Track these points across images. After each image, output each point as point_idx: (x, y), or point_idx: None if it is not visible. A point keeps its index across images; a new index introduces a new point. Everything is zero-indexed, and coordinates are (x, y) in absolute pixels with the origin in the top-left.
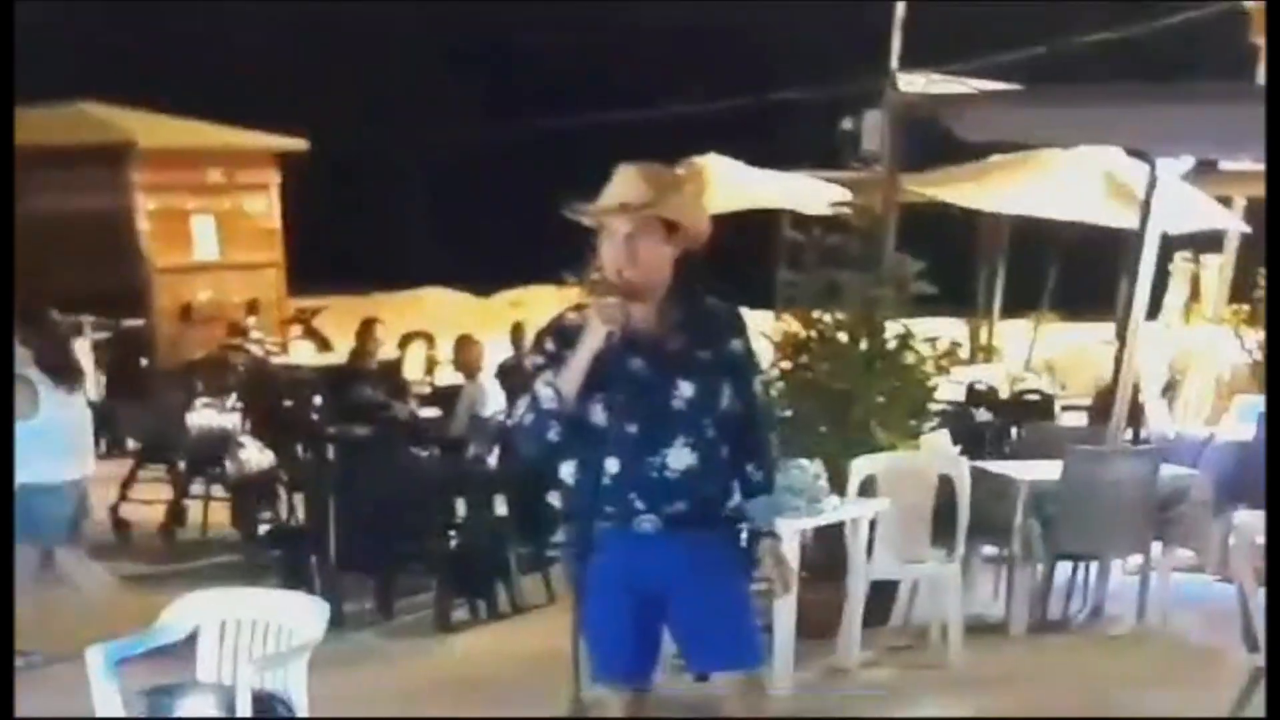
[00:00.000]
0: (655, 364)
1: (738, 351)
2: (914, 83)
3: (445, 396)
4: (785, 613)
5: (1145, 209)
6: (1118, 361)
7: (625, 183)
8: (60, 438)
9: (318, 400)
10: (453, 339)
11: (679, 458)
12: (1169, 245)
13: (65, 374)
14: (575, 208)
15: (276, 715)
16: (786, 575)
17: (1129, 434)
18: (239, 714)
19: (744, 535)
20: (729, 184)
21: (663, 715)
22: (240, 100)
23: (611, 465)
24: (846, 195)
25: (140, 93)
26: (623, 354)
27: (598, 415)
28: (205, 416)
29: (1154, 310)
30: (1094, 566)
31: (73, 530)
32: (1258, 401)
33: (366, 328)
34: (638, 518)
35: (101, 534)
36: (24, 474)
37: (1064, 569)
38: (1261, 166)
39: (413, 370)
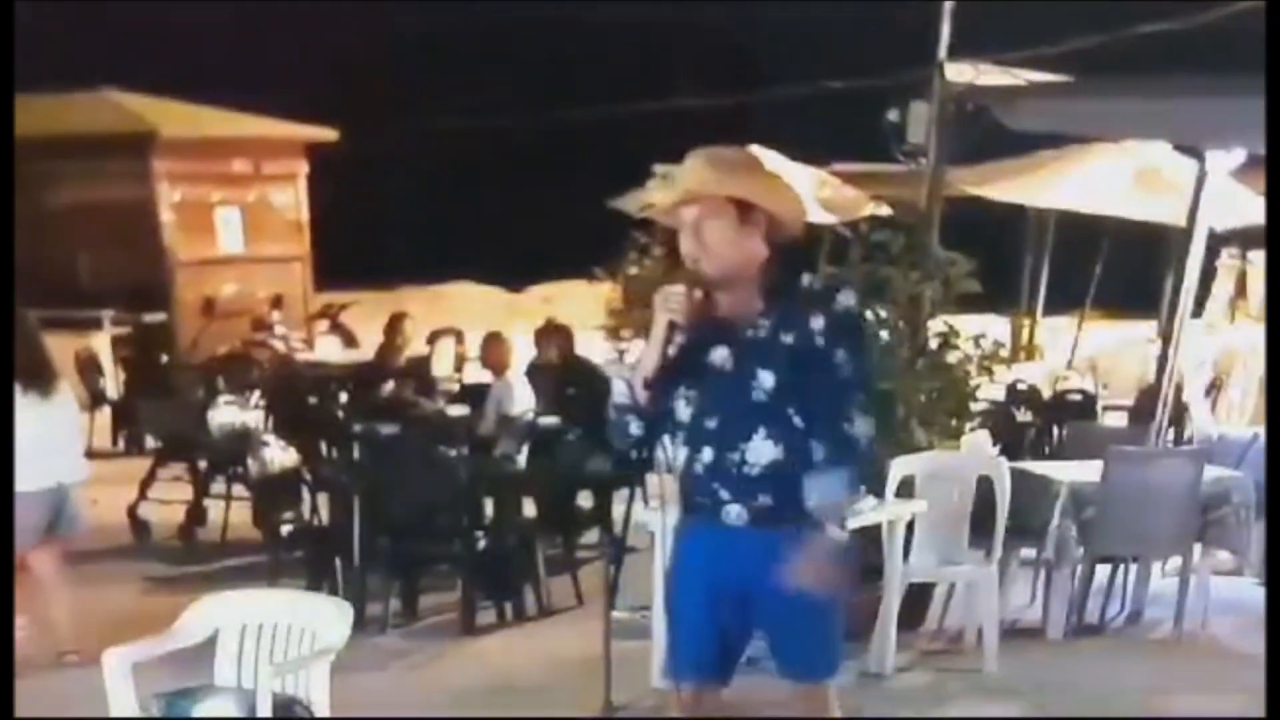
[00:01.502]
0: (738, 354)
1: (818, 329)
2: (962, 73)
3: (474, 394)
4: None
5: (1194, 204)
6: (1161, 361)
7: (691, 168)
8: (29, 445)
9: (343, 398)
10: (482, 335)
11: (759, 452)
12: (1215, 242)
13: (36, 379)
14: (645, 206)
15: (298, 719)
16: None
17: (1172, 434)
18: (259, 718)
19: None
20: None
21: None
22: (268, 89)
23: (704, 454)
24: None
25: (165, 81)
26: (707, 345)
27: (682, 408)
28: (227, 414)
29: (1198, 308)
30: (1133, 569)
31: (47, 536)
32: None
33: (394, 323)
34: (724, 508)
35: (120, 534)
36: None
37: (1102, 572)
38: None
39: (441, 367)
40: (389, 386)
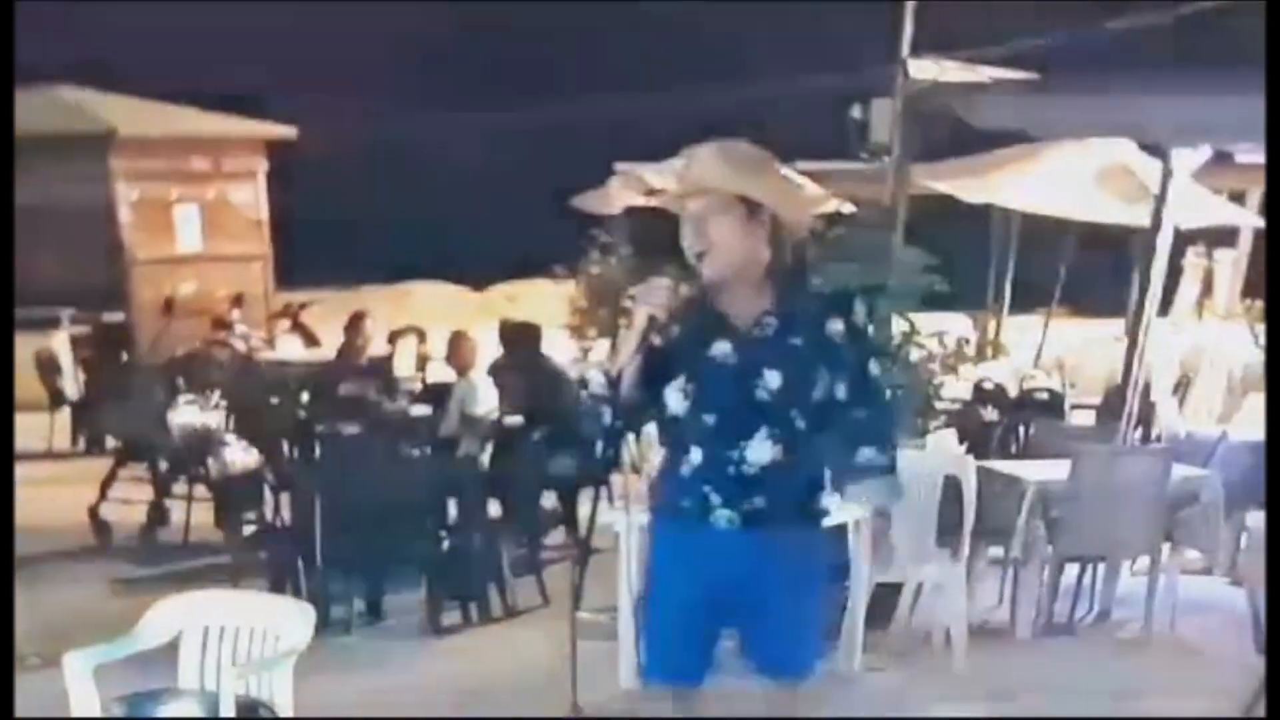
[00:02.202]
0: (741, 352)
1: (835, 334)
2: (926, 70)
3: (436, 394)
4: None
5: (1159, 202)
6: (1128, 359)
7: (698, 161)
8: None
9: (305, 397)
10: (445, 334)
11: (759, 452)
12: (1181, 240)
13: None
14: (650, 191)
15: None
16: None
17: (1139, 433)
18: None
19: (825, 532)
20: None
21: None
22: (227, 86)
23: (692, 455)
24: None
25: (122, 78)
26: (709, 339)
27: (677, 402)
28: (188, 414)
29: (1165, 306)
30: (1101, 569)
31: None
32: None
33: (355, 322)
34: (713, 512)
35: (81, 535)
36: None
37: (1070, 571)
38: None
39: (403, 366)
40: (351, 386)
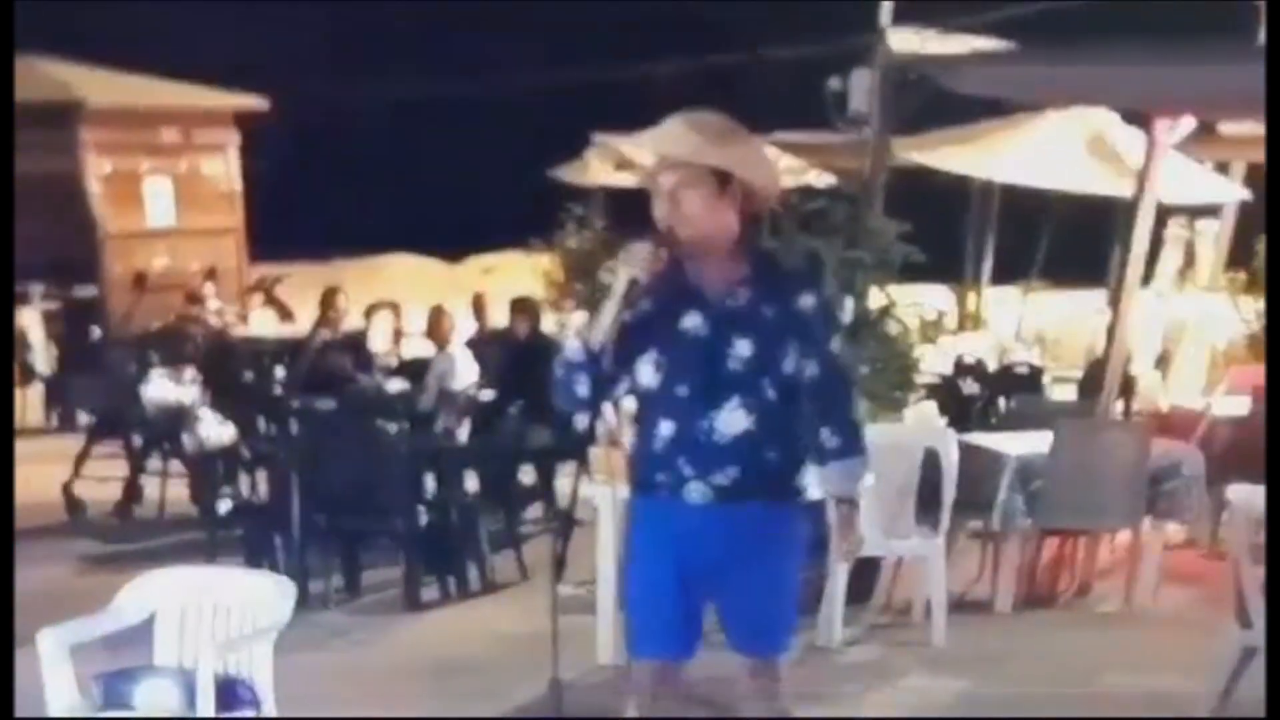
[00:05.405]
0: (712, 322)
1: (807, 309)
2: (906, 40)
3: (413, 368)
4: None
5: (1142, 173)
6: (1109, 332)
7: (670, 133)
8: None
9: (279, 372)
10: (421, 308)
11: (731, 422)
12: (1163, 211)
13: None
14: (621, 164)
15: (240, 699)
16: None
17: (1120, 406)
18: (200, 699)
19: (803, 507)
20: None
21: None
22: (197, 56)
23: (662, 429)
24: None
25: (90, 48)
26: (679, 311)
27: (649, 375)
28: (162, 389)
29: (1147, 278)
30: (1082, 542)
31: None
32: (1253, 371)
33: (328, 297)
34: (686, 485)
35: (55, 512)
36: None
37: (1051, 545)
38: (1262, 130)
39: (379, 341)
40: (326, 361)
